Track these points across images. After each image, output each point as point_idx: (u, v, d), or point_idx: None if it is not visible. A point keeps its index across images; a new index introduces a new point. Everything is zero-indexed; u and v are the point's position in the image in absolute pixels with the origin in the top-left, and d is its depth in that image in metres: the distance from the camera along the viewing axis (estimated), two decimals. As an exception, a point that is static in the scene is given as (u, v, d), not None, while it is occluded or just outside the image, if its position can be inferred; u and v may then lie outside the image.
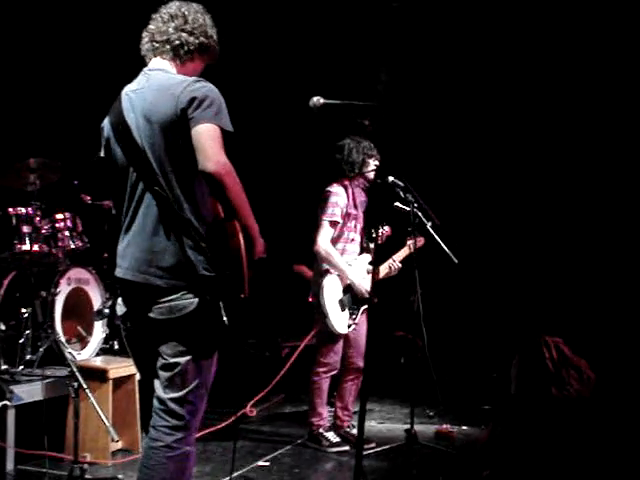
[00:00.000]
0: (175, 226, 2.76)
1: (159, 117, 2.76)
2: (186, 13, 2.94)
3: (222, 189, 2.66)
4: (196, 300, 2.74)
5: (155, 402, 2.86)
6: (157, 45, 2.94)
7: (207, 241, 2.75)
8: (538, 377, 3.17)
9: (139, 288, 2.82)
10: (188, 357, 2.79)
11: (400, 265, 5.09)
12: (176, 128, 2.73)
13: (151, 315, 2.79)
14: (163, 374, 2.83)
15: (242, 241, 2.74)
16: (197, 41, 2.94)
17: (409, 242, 5.09)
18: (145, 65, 3.00)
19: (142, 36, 2.99)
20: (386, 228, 5.06)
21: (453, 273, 5.47)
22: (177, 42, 2.92)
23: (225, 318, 2.74)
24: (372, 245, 4.87)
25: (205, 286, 2.74)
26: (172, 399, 2.81)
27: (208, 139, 2.68)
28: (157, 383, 2.85)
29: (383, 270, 5.01)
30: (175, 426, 2.81)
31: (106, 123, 2.95)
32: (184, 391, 2.81)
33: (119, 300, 2.93)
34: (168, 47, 2.93)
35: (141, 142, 2.81)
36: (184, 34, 2.92)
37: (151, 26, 2.97)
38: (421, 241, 5.12)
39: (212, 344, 2.84)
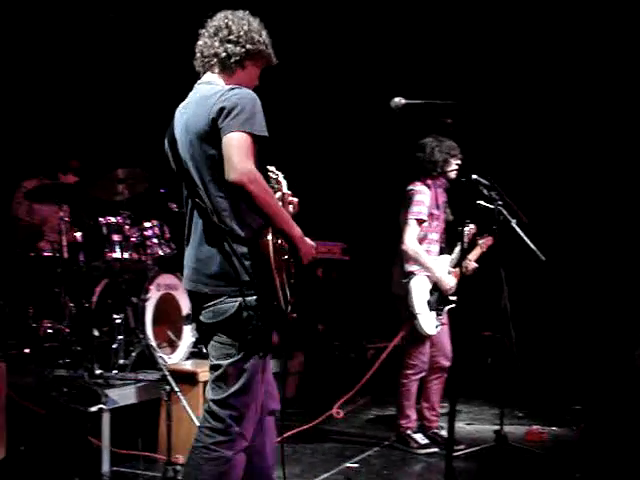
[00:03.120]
0: (216, 235, 2.83)
1: (196, 129, 2.84)
2: (229, 24, 2.96)
3: (248, 198, 2.68)
4: (237, 304, 2.80)
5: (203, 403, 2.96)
6: (206, 60, 2.99)
7: (248, 248, 2.79)
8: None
9: (193, 296, 2.96)
10: (230, 360, 2.84)
11: (476, 265, 5.02)
12: (210, 139, 2.79)
13: (201, 318, 2.91)
14: (210, 376, 2.93)
15: (271, 249, 2.74)
16: (243, 49, 2.95)
17: (480, 241, 5.03)
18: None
19: (195, 52, 3.04)
20: (472, 226, 5.01)
21: (541, 271, 5.36)
22: (224, 54, 2.94)
23: (255, 322, 2.80)
24: (459, 245, 4.81)
25: (244, 292, 2.79)
26: (214, 400, 2.88)
27: (233, 148, 2.69)
28: (207, 384, 2.96)
29: (453, 280, 4.96)
30: (215, 428, 2.85)
31: (165, 139, 3.04)
32: (225, 394, 2.85)
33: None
34: (216, 60, 2.97)
35: (184, 155, 2.90)
36: (229, 45, 2.94)
37: (199, 42, 3.02)
38: (490, 240, 5.04)
39: (253, 348, 2.85)
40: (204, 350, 5.62)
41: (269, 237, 2.75)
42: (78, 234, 5.36)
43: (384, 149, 7.65)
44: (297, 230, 2.84)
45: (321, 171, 7.87)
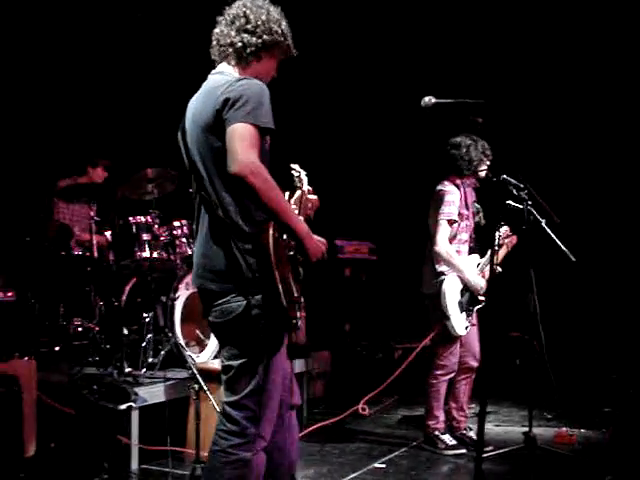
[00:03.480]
0: (222, 230, 2.74)
1: (202, 121, 2.76)
2: (247, 12, 2.85)
3: (250, 190, 2.58)
4: (244, 303, 2.72)
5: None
6: (222, 49, 2.89)
7: (252, 244, 2.70)
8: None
9: (201, 293, 2.88)
10: (241, 360, 2.76)
11: (500, 269, 4.97)
12: (215, 131, 2.70)
13: (210, 318, 2.84)
14: (223, 377, 2.84)
15: (271, 243, 2.63)
16: (260, 40, 2.85)
17: (506, 240, 4.98)
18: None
19: (211, 40, 2.95)
20: (505, 228, 4.97)
21: (571, 271, 5.31)
22: (239, 44, 2.85)
23: (263, 321, 2.71)
24: (495, 246, 4.77)
25: (250, 289, 2.71)
26: (228, 402, 2.81)
27: (236, 139, 2.60)
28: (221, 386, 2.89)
29: (483, 281, 4.93)
30: (230, 431, 2.78)
31: (178, 131, 2.97)
32: (239, 395, 2.77)
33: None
34: (231, 50, 2.87)
35: (192, 147, 2.83)
36: (246, 35, 2.84)
37: (216, 30, 2.92)
38: (514, 239, 4.99)
39: (264, 348, 2.76)
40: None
41: (270, 231, 2.64)
42: (108, 233, 5.41)
43: (413, 148, 7.63)
44: (303, 226, 2.75)
45: (350, 171, 7.87)
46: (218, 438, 2.80)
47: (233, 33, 2.85)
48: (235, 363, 2.77)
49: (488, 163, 4.93)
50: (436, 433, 4.99)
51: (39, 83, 6.42)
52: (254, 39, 2.84)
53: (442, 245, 4.86)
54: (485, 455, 4.67)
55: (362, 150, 7.94)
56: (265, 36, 2.85)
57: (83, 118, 6.74)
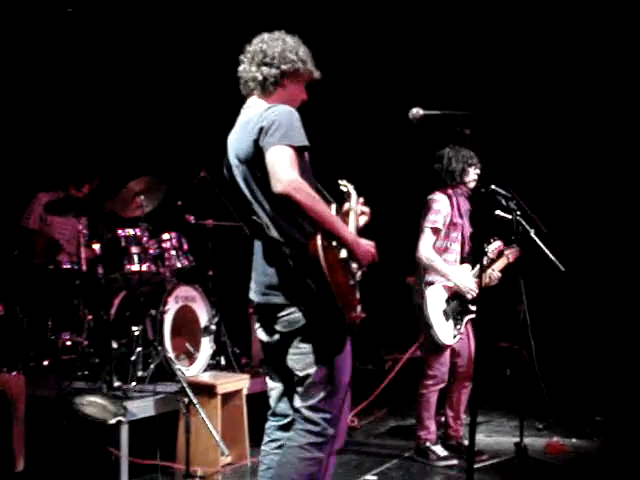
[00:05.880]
0: (276, 248, 2.96)
1: (242, 153, 2.98)
2: (264, 47, 3.07)
3: (296, 207, 2.76)
4: (306, 312, 2.91)
5: (294, 412, 3.04)
6: (248, 84, 3.11)
7: (305, 255, 2.83)
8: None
9: (264, 308, 3.05)
10: (315, 368, 2.94)
11: (499, 275, 4.99)
12: (256, 160, 2.90)
13: (277, 328, 2.99)
14: (298, 388, 3.00)
15: (320, 252, 2.76)
16: (278, 71, 3.05)
17: (507, 252, 5.00)
18: None
19: (239, 77, 3.16)
20: (498, 243, 4.99)
21: (560, 281, 5.33)
22: (260, 77, 3.06)
23: (328, 327, 2.91)
24: (485, 258, 4.78)
25: (309, 298, 2.88)
26: (306, 407, 2.98)
27: (276, 161, 2.79)
28: (295, 396, 3.02)
29: (483, 280, 4.92)
30: (309, 430, 2.96)
31: (224, 166, 3.18)
32: (317, 399, 2.96)
33: (257, 325, 3.14)
34: (255, 84, 3.08)
35: (239, 179, 3.04)
36: (265, 68, 3.05)
37: (240, 68, 3.14)
38: (517, 252, 5.00)
39: (331, 353, 2.95)
40: (222, 362, 5.68)
41: (318, 241, 2.77)
42: (97, 246, 5.38)
43: (403, 159, 7.64)
44: (349, 234, 2.90)
45: (337, 184, 7.86)
46: (296, 435, 2.99)
47: (254, 68, 3.07)
48: (312, 371, 2.94)
49: (477, 171, 4.95)
50: (427, 444, 4.98)
51: (23, 95, 6.41)
52: (273, 70, 3.05)
53: (423, 251, 4.88)
54: (477, 466, 4.68)
55: (351, 161, 7.94)
56: (283, 66, 3.05)
57: (66, 130, 6.72)
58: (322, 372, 2.93)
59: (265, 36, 3.11)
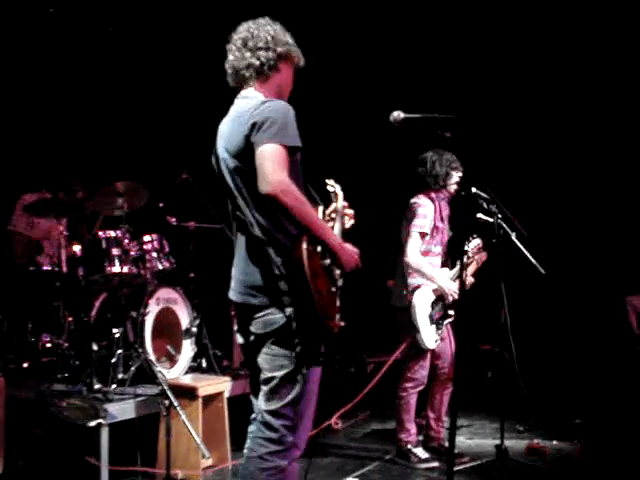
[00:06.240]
0: (259, 248, 2.87)
1: (232, 146, 2.89)
2: (255, 32, 2.99)
3: (282, 209, 2.70)
4: (284, 315, 2.83)
5: (256, 414, 2.99)
6: (242, 73, 3.00)
7: (288, 258, 2.80)
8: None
9: (241, 308, 2.98)
10: (284, 371, 2.87)
11: (473, 280, 5.00)
12: (245, 155, 2.81)
13: (251, 329, 2.93)
14: (263, 387, 2.94)
15: (304, 257, 2.72)
16: (275, 54, 2.98)
17: (476, 257, 5.02)
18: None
19: (226, 69, 3.06)
20: (478, 241, 5.00)
21: (541, 284, 5.35)
22: (257, 63, 2.97)
23: (303, 332, 2.82)
24: (465, 258, 4.80)
25: (288, 302, 2.82)
26: (268, 411, 2.91)
27: (265, 160, 2.71)
28: (259, 396, 2.96)
29: (456, 285, 4.94)
30: (268, 438, 2.90)
31: (212, 156, 3.10)
32: (279, 404, 2.89)
33: (236, 328, 3.08)
34: (252, 70, 2.99)
35: (224, 171, 2.96)
36: (261, 52, 2.97)
37: (229, 57, 3.04)
38: (484, 256, 5.03)
39: (304, 359, 2.87)
40: (203, 364, 5.66)
41: (303, 245, 2.73)
42: (77, 248, 5.35)
43: (384, 162, 7.65)
44: (334, 238, 2.86)
45: (322, 183, 7.86)
46: (255, 445, 2.93)
47: (248, 54, 2.98)
48: (278, 374, 2.88)
49: (460, 174, 4.97)
50: (409, 447, 4.99)
51: (6, 98, 6.38)
52: (270, 53, 2.98)
53: (411, 256, 4.88)
54: (457, 468, 4.69)
55: (335, 163, 7.95)
56: (279, 48, 2.99)
57: (53, 131, 6.69)
58: (291, 377, 2.87)
59: (250, 23, 3.02)
